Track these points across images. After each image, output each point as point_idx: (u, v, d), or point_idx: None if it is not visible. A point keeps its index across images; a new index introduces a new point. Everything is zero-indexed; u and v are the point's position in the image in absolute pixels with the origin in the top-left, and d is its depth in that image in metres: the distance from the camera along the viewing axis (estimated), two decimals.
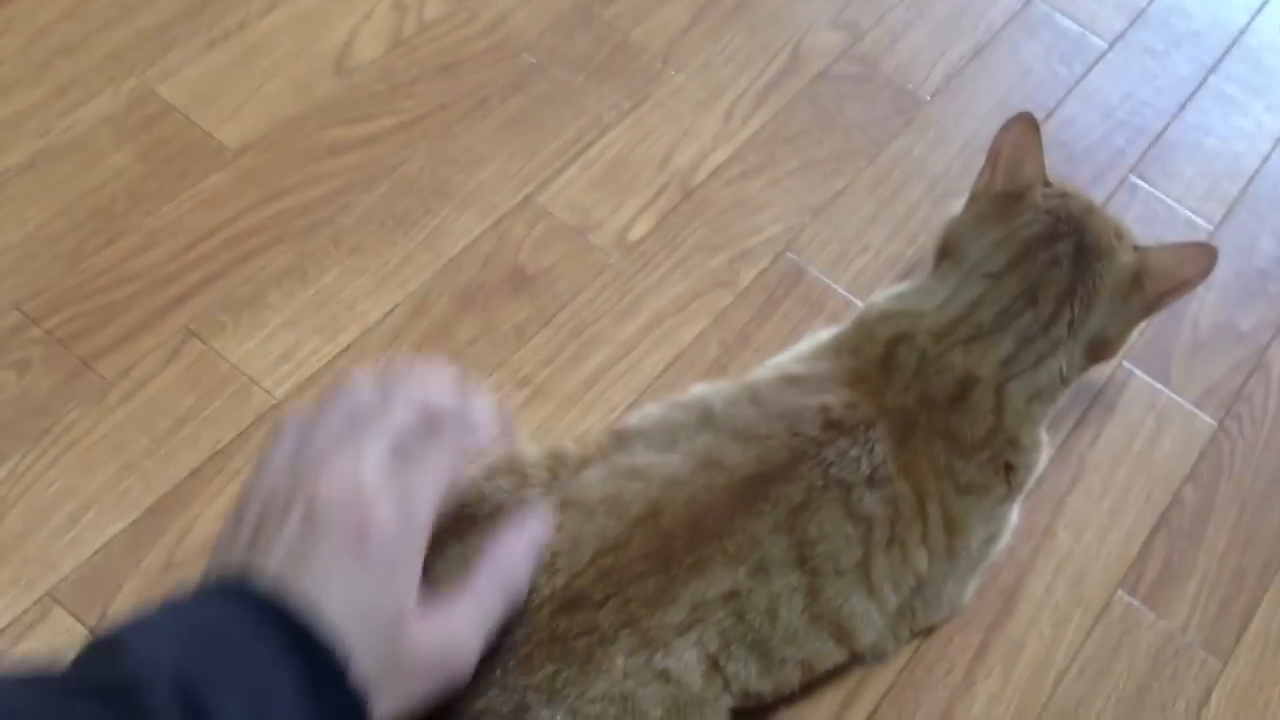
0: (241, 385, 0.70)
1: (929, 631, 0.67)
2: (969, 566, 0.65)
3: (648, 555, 0.52)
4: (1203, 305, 0.86)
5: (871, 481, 0.57)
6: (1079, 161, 0.92)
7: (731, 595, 0.53)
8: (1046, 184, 0.68)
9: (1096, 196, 0.90)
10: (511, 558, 0.49)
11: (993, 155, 0.70)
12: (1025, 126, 0.69)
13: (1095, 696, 0.67)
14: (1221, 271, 0.88)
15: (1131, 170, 0.92)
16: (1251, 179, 0.94)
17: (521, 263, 0.78)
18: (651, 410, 0.62)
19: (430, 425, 0.46)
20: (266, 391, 0.70)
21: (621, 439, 0.60)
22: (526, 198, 0.81)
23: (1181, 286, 0.68)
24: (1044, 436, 0.66)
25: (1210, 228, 0.90)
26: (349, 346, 0.72)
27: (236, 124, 0.80)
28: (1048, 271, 0.63)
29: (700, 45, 0.92)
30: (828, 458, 0.57)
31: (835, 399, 0.59)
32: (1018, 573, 0.71)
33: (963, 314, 0.63)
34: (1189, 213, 0.91)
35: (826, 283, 0.81)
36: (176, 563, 0.63)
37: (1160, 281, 0.66)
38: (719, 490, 0.55)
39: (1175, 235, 0.89)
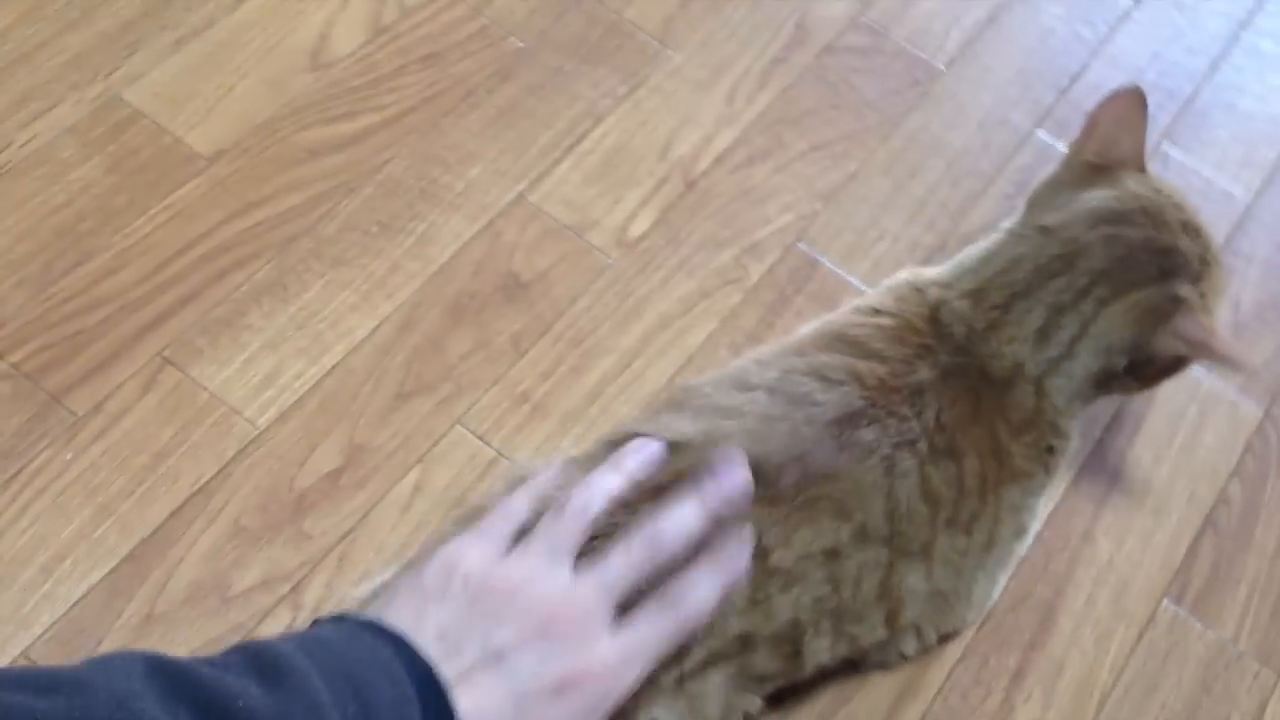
0: (222, 415, 0.65)
1: (946, 639, 0.62)
2: (999, 560, 0.61)
3: (757, 491, 0.50)
4: (1244, 283, 0.80)
5: (948, 453, 0.55)
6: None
7: (832, 554, 0.52)
8: (1141, 168, 0.62)
9: None
10: (695, 590, 0.47)
11: (1090, 123, 0.64)
12: (1132, 100, 0.63)
13: (1143, 716, 0.63)
14: (1262, 246, 0.83)
15: (1164, 138, 0.86)
16: None
17: (515, 268, 0.73)
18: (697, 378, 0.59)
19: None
20: (248, 421, 0.65)
21: (689, 392, 0.57)
22: (519, 196, 0.76)
23: (1190, 358, 0.60)
24: (1075, 431, 0.61)
25: (1249, 198, 0.85)
26: (334, 368, 0.68)
27: (208, 128, 0.75)
28: (1099, 246, 0.57)
29: (699, 21, 0.86)
30: (901, 417, 0.55)
31: (892, 356, 0.56)
32: (1055, 585, 0.66)
33: (1003, 269, 0.58)
34: (1226, 181, 0.85)
35: (841, 275, 0.76)
36: (158, 614, 0.59)
37: (1180, 340, 0.57)
38: (820, 425, 0.53)
39: (1212, 208, 0.83)
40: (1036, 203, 0.62)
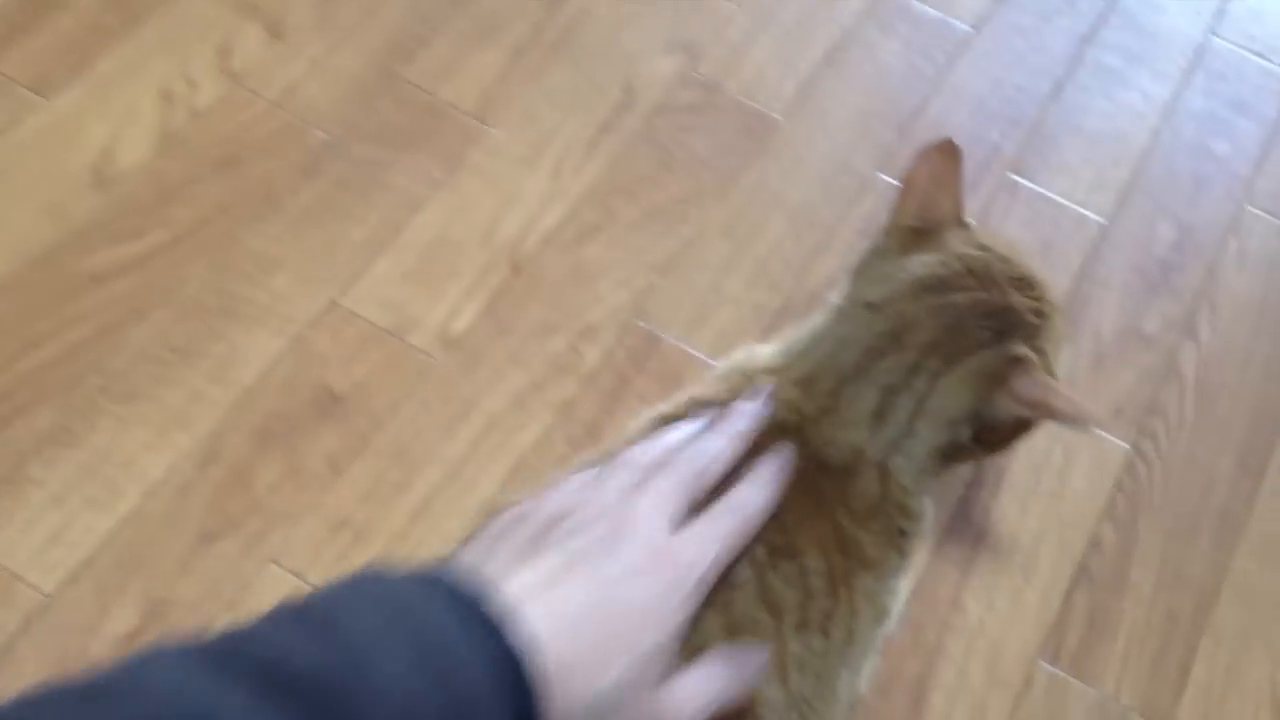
0: (3, 582, 0.59)
1: None
2: (863, 651, 0.57)
3: None
4: (1103, 310, 0.78)
5: (788, 553, 0.51)
6: None
7: None
8: (962, 224, 0.59)
9: (975, 198, 0.82)
10: (746, 494, 0.49)
11: (905, 186, 0.60)
12: (943, 155, 0.59)
13: None
14: (1119, 270, 0.80)
15: (1010, 168, 0.84)
16: (1142, 158, 0.86)
17: (329, 381, 0.68)
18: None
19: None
20: (33, 586, 0.59)
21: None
22: (330, 303, 0.71)
23: (1033, 419, 0.55)
24: (929, 506, 0.58)
25: (1103, 221, 0.82)
26: (128, 516, 0.62)
27: None
28: (926, 318, 0.54)
29: (519, 93, 0.82)
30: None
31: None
32: (926, 659, 0.62)
33: (831, 352, 0.54)
34: (1078, 207, 0.83)
35: (684, 348, 0.72)
36: None
37: (1018, 402, 0.53)
38: None
39: (1065, 235, 0.81)
40: (861, 273, 0.59)
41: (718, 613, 0.49)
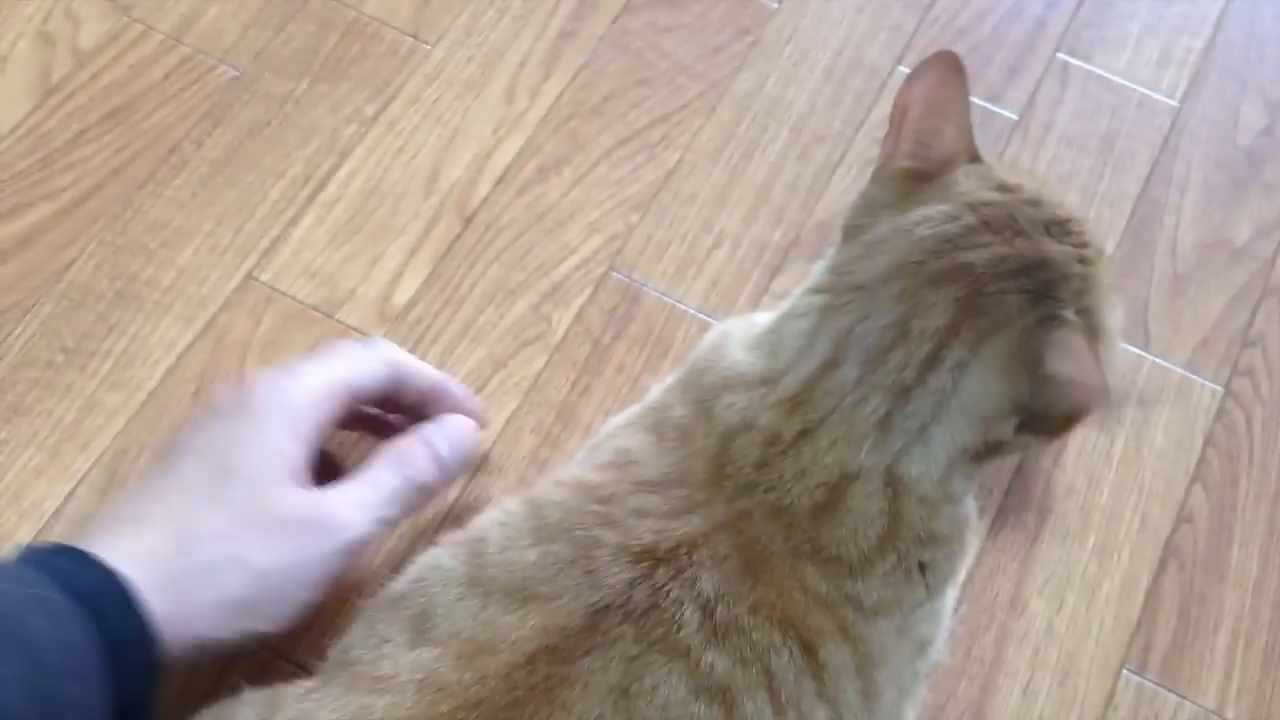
0: None
1: None
2: (901, 694, 0.46)
3: None
4: (1179, 219, 0.64)
5: (715, 634, 0.39)
6: (988, 50, 0.69)
7: None
8: (974, 158, 0.45)
9: (1018, 88, 0.68)
10: (418, 449, 0.49)
11: (896, 115, 0.46)
12: (942, 71, 0.45)
13: None
14: (1197, 165, 0.66)
15: (1058, 46, 0.69)
16: (1219, 24, 0.71)
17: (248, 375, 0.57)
18: (408, 570, 0.45)
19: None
20: None
21: (347, 649, 0.43)
22: (246, 277, 0.59)
23: (1060, 405, 0.42)
24: (971, 507, 0.46)
25: (1175, 105, 0.68)
26: None
27: None
28: (939, 293, 0.41)
29: (460, 1, 0.68)
30: (639, 606, 0.39)
31: (648, 520, 0.40)
32: (980, 677, 0.52)
33: (821, 367, 0.42)
34: (1143, 89, 0.68)
35: (671, 303, 0.60)
36: None
37: (1065, 384, 0.41)
38: (497, 685, 0.38)
39: (1129, 126, 0.67)
40: (850, 238, 0.45)
41: None
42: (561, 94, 0.66)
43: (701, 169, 0.64)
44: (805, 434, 0.41)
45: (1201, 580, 0.54)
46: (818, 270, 0.46)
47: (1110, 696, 0.51)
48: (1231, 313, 0.61)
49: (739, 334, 0.46)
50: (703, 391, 0.44)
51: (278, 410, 0.45)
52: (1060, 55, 0.69)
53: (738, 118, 0.66)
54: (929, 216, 0.42)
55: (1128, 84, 0.68)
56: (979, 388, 0.40)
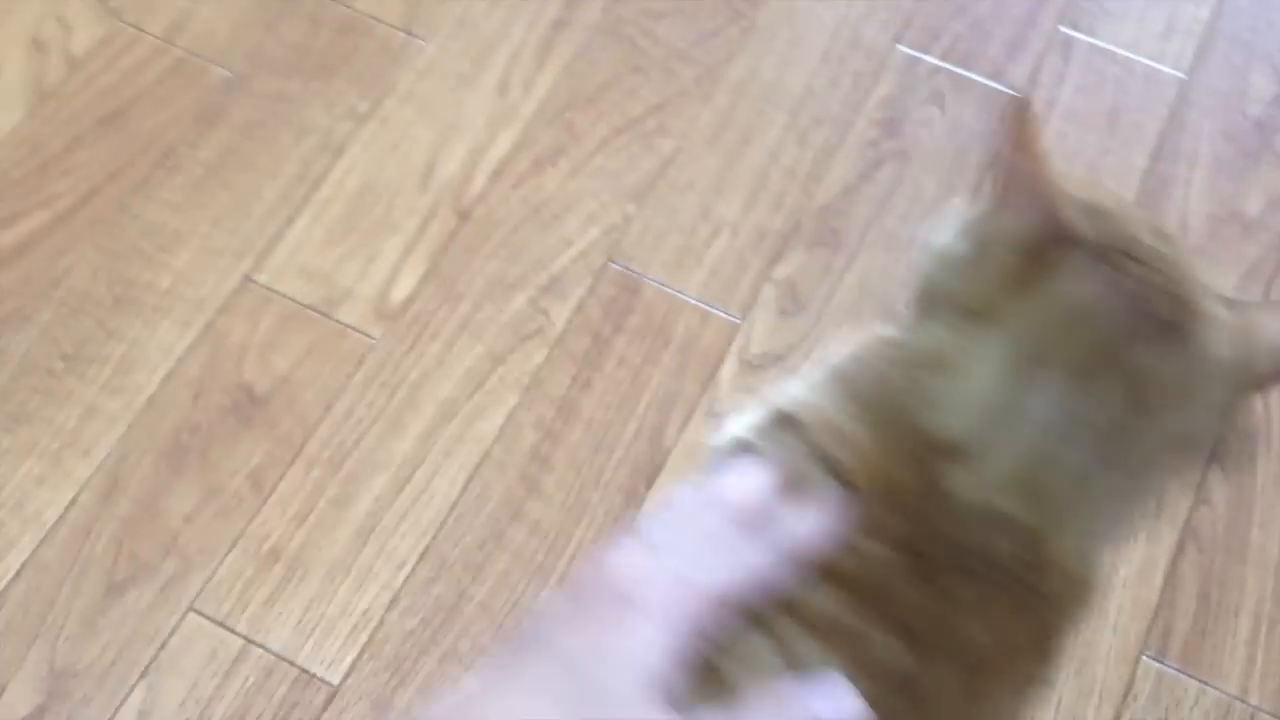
0: None
1: None
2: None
3: None
4: (1189, 192, 0.63)
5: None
6: (989, 25, 0.68)
7: None
8: (1063, 195, 0.38)
9: (1020, 64, 0.67)
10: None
11: (1001, 174, 0.37)
12: (1025, 128, 0.36)
13: None
14: (1206, 137, 0.65)
15: (1061, 19, 0.68)
16: None
17: (248, 378, 0.57)
18: None
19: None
20: None
21: None
22: (243, 279, 0.59)
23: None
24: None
25: (1182, 76, 0.66)
26: (22, 569, 0.52)
27: None
28: (1140, 366, 0.34)
29: None
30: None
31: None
32: None
33: (1033, 437, 0.34)
34: (1149, 61, 0.67)
35: (672, 293, 0.59)
36: None
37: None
38: None
39: (1135, 99, 0.66)
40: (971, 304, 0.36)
41: None
42: (555, 84, 0.65)
43: (699, 156, 0.63)
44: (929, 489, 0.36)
45: (1221, 563, 0.53)
46: None
47: (1130, 684, 0.50)
48: (1244, 285, 0.60)
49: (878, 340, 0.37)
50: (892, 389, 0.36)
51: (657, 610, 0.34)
52: (1063, 29, 0.68)
53: (734, 103, 0.65)
54: (1079, 292, 0.33)
55: (1132, 56, 0.67)
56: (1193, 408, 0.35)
